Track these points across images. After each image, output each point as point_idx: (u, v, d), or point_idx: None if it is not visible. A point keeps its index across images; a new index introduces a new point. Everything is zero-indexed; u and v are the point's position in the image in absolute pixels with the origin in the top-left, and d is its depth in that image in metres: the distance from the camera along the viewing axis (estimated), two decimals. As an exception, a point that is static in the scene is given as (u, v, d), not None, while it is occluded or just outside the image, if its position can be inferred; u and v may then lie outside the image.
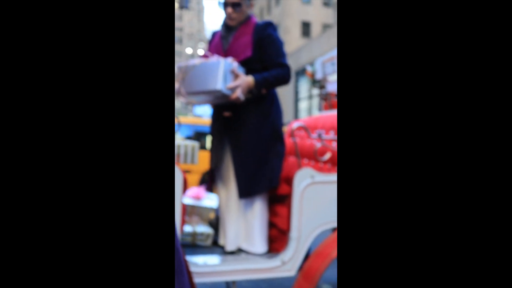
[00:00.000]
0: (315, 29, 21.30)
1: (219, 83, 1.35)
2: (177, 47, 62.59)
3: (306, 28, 21.39)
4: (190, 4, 62.90)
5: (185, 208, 1.48)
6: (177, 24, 62.38)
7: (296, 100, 16.12)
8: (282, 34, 20.46)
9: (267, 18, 22.62)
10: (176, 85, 1.46)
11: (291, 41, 20.03)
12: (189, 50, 63.23)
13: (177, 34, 62.78)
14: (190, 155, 1.55)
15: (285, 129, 1.85)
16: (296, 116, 16.14)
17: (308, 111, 15.04)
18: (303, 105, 15.87)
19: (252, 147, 1.46)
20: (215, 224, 1.85)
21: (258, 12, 24.18)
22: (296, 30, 20.98)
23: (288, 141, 1.89)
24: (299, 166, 1.56)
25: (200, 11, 65.30)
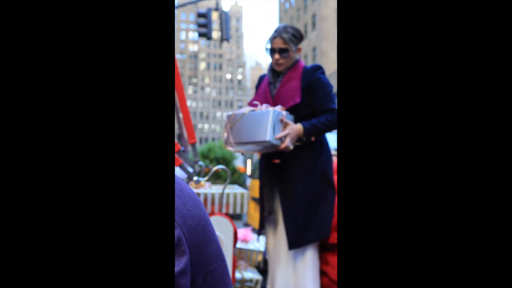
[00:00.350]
0: (353, 51, 21.03)
1: (268, 134, 1.35)
2: (217, 73, 65.28)
3: (343, 50, 21.24)
4: (230, 31, 65.91)
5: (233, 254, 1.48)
6: (216, 51, 65.42)
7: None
8: (319, 58, 20.54)
9: (304, 42, 22.90)
10: (225, 134, 1.48)
11: (328, 63, 20.01)
12: (228, 76, 65.64)
13: (216, 60, 65.66)
14: (240, 204, 1.55)
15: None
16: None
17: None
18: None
19: (302, 196, 1.43)
20: (263, 267, 1.83)
21: (294, 37, 24.51)
22: (333, 53, 20.95)
23: (336, 178, 1.84)
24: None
25: (239, 38, 68.05)
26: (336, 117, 1.46)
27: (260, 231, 1.60)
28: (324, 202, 1.46)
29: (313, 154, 1.48)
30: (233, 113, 1.48)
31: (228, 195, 1.56)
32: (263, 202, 1.55)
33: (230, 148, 1.48)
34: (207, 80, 65.38)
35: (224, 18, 6.43)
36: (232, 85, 65.67)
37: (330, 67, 19.31)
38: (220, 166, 1.52)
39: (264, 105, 1.47)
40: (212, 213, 1.51)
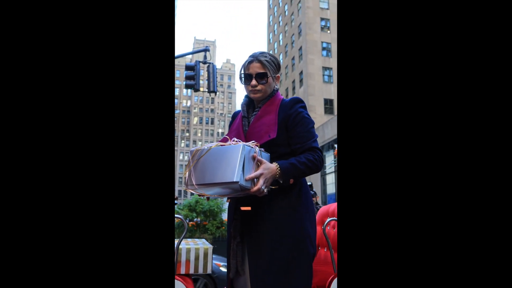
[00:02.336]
0: (339, 106, 22.04)
1: (237, 174, 1.08)
2: (209, 127, 66.69)
3: (329, 105, 22.20)
4: (222, 87, 69.01)
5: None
6: (208, 106, 67.66)
7: (323, 174, 15.79)
8: (307, 111, 21.33)
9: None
10: (185, 174, 1.19)
11: (316, 117, 20.65)
12: (220, 130, 67.00)
13: (208, 115, 67.54)
14: (202, 262, 1.26)
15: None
16: (324, 190, 15.63)
17: (335, 185, 14.60)
18: (329, 178, 15.46)
19: (274, 253, 1.16)
20: None
21: (283, 92, 25.71)
22: (320, 108, 21.79)
23: (318, 229, 1.61)
24: (334, 270, 1.25)
25: (232, 93, 71.00)
26: (318, 157, 1.23)
27: None
28: (302, 262, 1.17)
29: (290, 201, 1.23)
30: (197, 149, 1.21)
31: (188, 251, 1.28)
32: (229, 260, 1.26)
33: (191, 191, 1.23)
34: (199, 134, 66.42)
35: (212, 71, 6.62)
36: (224, 138, 66.71)
37: (318, 121, 19.87)
38: (177, 216, 1.27)
39: (234, 140, 1.22)
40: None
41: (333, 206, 1.80)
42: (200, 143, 65.71)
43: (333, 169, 15.05)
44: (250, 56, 1.35)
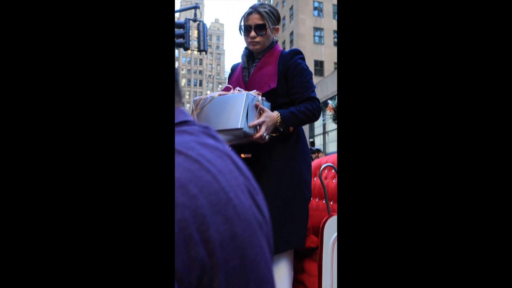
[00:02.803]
0: (328, 68, 21.76)
1: (241, 121, 1.13)
2: (197, 89, 65.31)
3: (319, 67, 21.92)
4: (210, 48, 66.66)
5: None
6: (196, 67, 65.75)
7: (311, 136, 16.06)
8: (297, 74, 20.96)
9: (282, 59, 23.43)
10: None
11: (307, 79, 20.49)
12: (208, 92, 65.77)
13: (197, 77, 65.88)
14: None
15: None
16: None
17: (323, 146, 14.93)
18: (317, 140, 15.76)
19: (273, 197, 1.24)
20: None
21: (273, 54, 25.09)
22: (310, 69, 21.48)
23: (313, 181, 1.72)
24: (328, 213, 1.38)
25: (220, 55, 68.78)
26: (316, 107, 1.29)
27: None
28: (299, 205, 1.27)
29: (289, 149, 1.31)
30: (200, 98, 1.26)
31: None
32: None
33: None
34: (187, 96, 65.24)
35: (202, 29, 6.38)
36: (212, 101, 65.70)
37: (308, 83, 19.76)
38: None
39: (237, 89, 1.27)
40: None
41: (325, 158, 1.91)
42: (188, 105, 64.68)
43: (321, 130, 15.27)
44: (249, 8, 1.36)
